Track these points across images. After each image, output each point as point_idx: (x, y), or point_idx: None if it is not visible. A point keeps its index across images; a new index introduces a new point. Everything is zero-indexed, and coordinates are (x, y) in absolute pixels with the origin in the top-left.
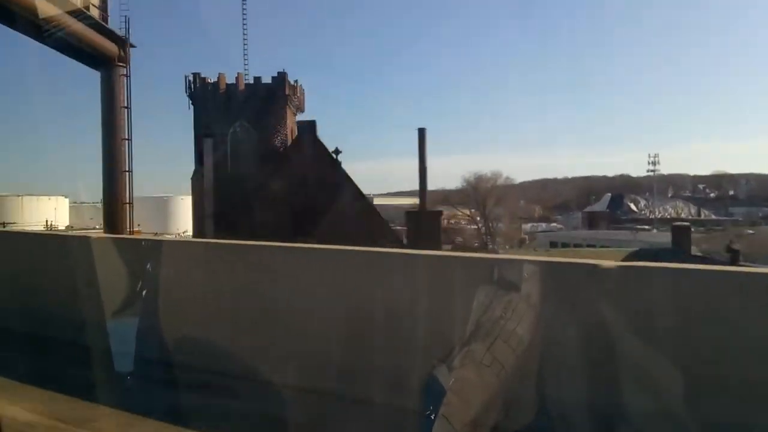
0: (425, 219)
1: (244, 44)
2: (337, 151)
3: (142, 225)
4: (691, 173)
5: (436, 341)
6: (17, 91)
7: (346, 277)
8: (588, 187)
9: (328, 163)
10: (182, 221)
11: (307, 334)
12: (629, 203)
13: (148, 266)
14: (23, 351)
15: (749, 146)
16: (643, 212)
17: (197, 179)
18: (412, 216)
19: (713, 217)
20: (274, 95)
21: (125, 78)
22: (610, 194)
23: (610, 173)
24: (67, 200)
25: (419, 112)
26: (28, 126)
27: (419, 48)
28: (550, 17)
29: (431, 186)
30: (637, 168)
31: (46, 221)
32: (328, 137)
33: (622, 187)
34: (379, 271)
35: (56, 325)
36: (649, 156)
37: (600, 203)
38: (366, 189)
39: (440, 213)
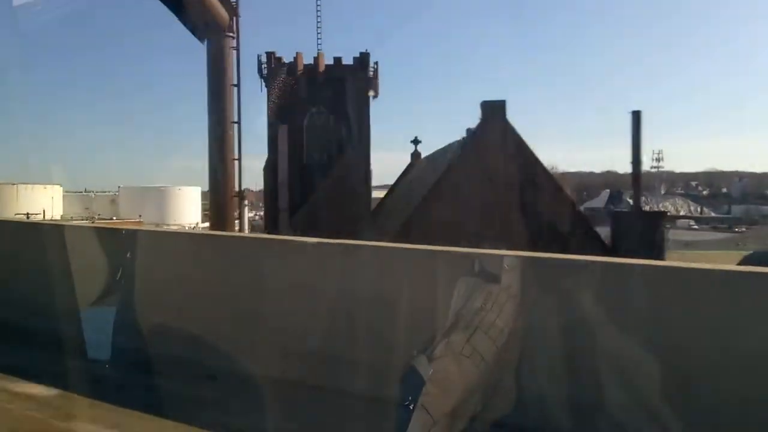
0: (641, 221)
1: (318, 22)
2: (416, 141)
3: (143, 216)
4: (678, 170)
5: (417, 334)
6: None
7: (327, 268)
8: (577, 184)
9: (523, 154)
10: (187, 213)
11: (289, 326)
12: (629, 200)
13: (128, 256)
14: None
15: (740, 144)
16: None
17: (269, 169)
18: (621, 217)
19: (713, 214)
20: (356, 77)
21: (234, 51)
22: (608, 190)
23: (597, 170)
24: (61, 189)
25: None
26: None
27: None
28: (542, 10)
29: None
30: (623, 164)
31: (44, 211)
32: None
33: (613, 184)
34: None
35: (31, 313)
36: (653, 152)
37: (598, 199)
38: None
39: (663, 214)
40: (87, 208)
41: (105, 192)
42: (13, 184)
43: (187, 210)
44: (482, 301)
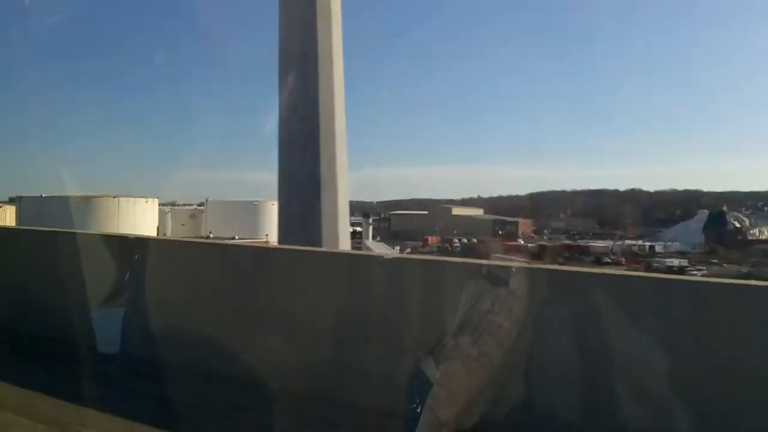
0: None
1: None
2: None
3: (233, 231)
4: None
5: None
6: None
7: (335, 279)
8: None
9: None
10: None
11: (296, 335)
12: (733, 221)
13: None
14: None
15: None
16: (752, 231)
17: None
18: None
19: None
20: None
21: None
22: (707, 211)
23: (648, 187)
24: (157, 201)
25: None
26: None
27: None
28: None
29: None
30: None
31: (157, 228)
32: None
33: (682, 204)
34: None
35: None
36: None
37: (695, 220)
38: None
39: None
40: (183, 224)
41: (186, 206)
42: (114, 197)
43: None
44: (490, 303)
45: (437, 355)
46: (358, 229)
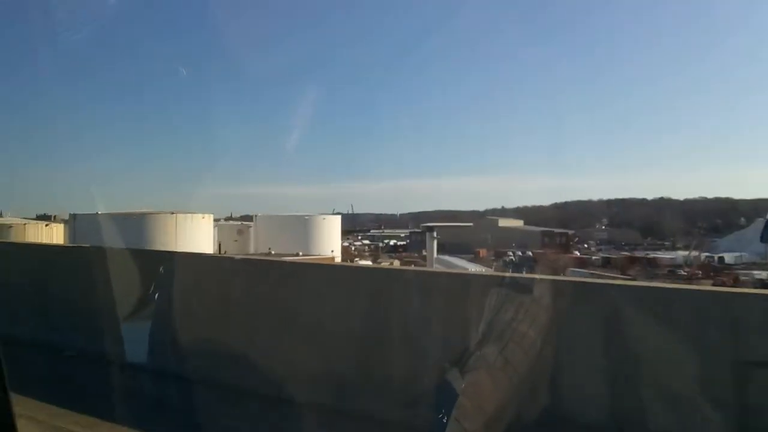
0: None
1: None
2: None
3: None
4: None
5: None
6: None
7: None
8: (686, 211)
9: None
10: (327, 242)
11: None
12: None
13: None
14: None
15: None
16: None
17: None
18: None
19: None
20: None
21: None
22: (763, 219)
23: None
24: (212, 217)
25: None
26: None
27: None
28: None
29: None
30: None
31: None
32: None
33: (719, 212)
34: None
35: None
36: None
37: (752, 228)
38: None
39: None
40: (236, 240)
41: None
42: (172, 213)
43: (329, 239)
44: (514, 311)
45: (463, 365)
46: (400, 242)
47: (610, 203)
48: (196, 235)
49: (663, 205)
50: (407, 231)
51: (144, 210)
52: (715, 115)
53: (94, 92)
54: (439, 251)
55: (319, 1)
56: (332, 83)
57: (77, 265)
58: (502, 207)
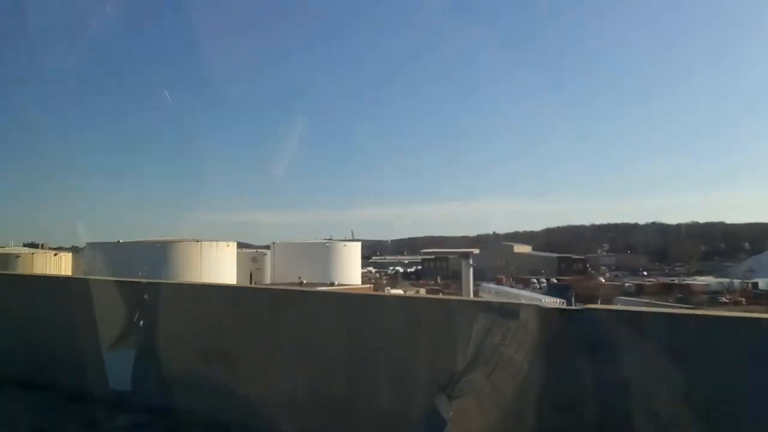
0: None
1: None
2: None
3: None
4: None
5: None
6: None
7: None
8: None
9: None
10: (347, 269)
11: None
12: None
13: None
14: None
15: None
16: None
17: None
18: None
19: None
20: None
21: None
22: None
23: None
24: (235, 245)
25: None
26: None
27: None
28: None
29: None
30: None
31: (251, 274)
32: None
33: (723, 237)
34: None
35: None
36: None
37: None
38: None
39: None
40: (259, 269)
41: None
42: (197, 241)
43: (350, 267)
44: (501, 336)
45: (450, 391)
46: (400, 269)
47: (602, 228)
48: (221, 263)
49: (656, 229)
50: (406, 258)
51: (167, 238)
52: (706, 140)
53: (79, 119)
54: (453, 278)
55: (305, 30)
56: (317, 110)
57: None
58: (494, 232)
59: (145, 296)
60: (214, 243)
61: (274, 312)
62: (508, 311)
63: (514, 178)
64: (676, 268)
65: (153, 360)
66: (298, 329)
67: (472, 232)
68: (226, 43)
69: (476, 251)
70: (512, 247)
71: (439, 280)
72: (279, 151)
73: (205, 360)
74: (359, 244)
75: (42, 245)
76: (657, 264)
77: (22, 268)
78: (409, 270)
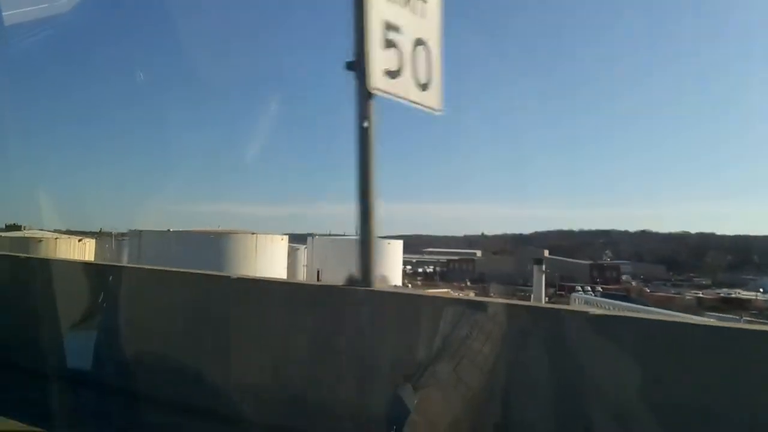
0: None
1: None
2: None
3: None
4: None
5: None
6: None
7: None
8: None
9: None
10: (388, 267)
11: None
12: None
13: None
14: None
15: None
16: None
17: None
18: None
19: None
20: None
21: None
22: None
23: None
24: (287, 238)
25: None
26: None
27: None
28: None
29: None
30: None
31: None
32: None
33: (732, 249)
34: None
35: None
36: None
37: None
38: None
39: None
40: (304, 266)
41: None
42: (253, 233)
43: (391, 264)
44: (468, 328)
45: (415, 382)
46: (426, 269)
47: (592, 234)
48: (276, 255)
49: (647, 238)
50: (414, 256)
51: (223, 230)
52: (699, 149)
53: (50, 103)
54: (479, 280)
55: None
56: (295, 97)
57: None
58: (482, 233)
59: (110, 278)
60: (269, 236)
61: (241, 301)
62: (476, 305)
63: (500, 181)
64: (694, 279)
65: (114, 342)
66: (262, 318)
67: (459, 233)
68: None
69: (479, 255)
70: (543, 251)
71: (468, 283)
72: (254, 140)
73: (169, 344)
74: (401, 242)
75: (23, 227)
76: (671, 274)
77: (45, 254)
78: (427, 270)
